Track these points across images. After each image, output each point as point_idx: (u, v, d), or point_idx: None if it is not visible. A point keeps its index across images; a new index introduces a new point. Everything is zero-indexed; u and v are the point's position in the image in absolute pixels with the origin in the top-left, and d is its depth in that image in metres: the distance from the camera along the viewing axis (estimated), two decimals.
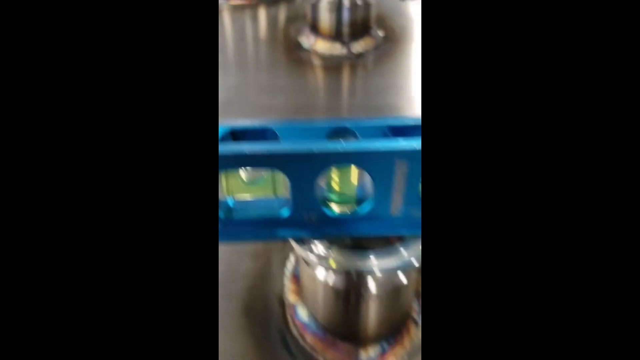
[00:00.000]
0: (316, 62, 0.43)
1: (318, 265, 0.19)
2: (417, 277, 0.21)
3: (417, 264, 0.18)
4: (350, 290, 0.19)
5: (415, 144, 0.16)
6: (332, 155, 0.16)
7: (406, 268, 0.19)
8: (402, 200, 0.18)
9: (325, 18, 0.44)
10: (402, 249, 0.18)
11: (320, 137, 0.18)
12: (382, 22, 0.47)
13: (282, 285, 0.24)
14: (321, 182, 0.19)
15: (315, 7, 0.44)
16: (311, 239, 0.19)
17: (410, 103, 0.38)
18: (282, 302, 0.24)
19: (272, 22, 0.50)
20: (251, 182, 0.18)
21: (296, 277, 0.24)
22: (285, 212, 0.18)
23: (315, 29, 0.44)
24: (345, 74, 0.42)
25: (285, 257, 0.26)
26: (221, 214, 0.18)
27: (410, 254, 0.18)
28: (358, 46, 0.44)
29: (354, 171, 0.19)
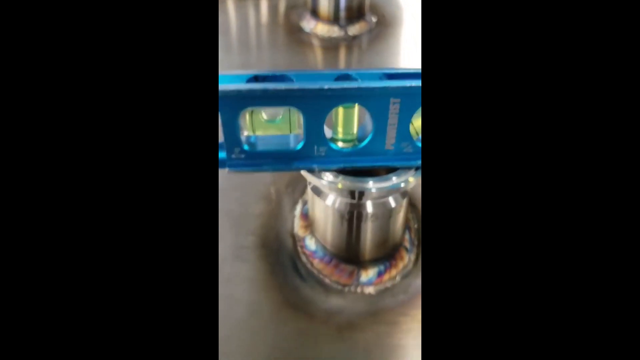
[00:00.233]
0: (316, 43, 0.46)
1: (327, 190, 0.23)
2: (406, 206, 0.24)
3: (405, 188, 0.22)
4: (353, 212, 0.23)
5: (406, 83, 0.20)
6: (339, 91, 0.19)
7: (396, 189, 0.22)
8: (395, 136, 0.21)
9: (324, 4, 0.47)
10: (394, 177, 0.22)
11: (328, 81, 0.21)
12: (375, 9, 0.51)
13: (293, 222, 0.28)
14: (329, 124, 0.22)
15: None
16: (320, 170, 0.22)
17: None
18: (292, 236, 0.27)
19: (274, 9, 0.53)
20: (271, 121, 0.21)
21: (304, 215, 0.28)
22: (299, 146, 0.21)
23: (315, 14, 0.48)
24: (342, 54, 0.45)
25: (295, 201, 0.29)
26: (246, 147, 0.21)
27: (400, 180, 0.22)
28: (354, 29, 0.47)
29: (355, 115, 0.22)
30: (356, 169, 0.22)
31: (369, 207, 0.23)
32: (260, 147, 0.22)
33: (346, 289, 0.25)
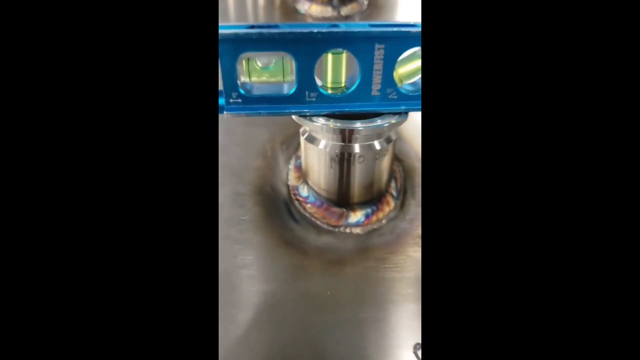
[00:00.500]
0: (311, 22, 0.48)
1: (320, 135, 0.24)
2: (391, 152, 0.26)
3: (388, 130, 0.23)
4: (343, 154, 0.24)
5: (389, 29, 0.21)
6: (327, 34, 0.21)
7: (381, 130, 0.23)
8: (380, 82, 0.23)
9: None
10: (378, 119, 0.23)
11: None
12: None
13: (287, 174, 0.29)
14: (319, 74, 0.23)
15: None
16: (312, 115, 0.23)
17: None
18: (287, 186, 0.28)
19: None
20: (265, 68, 0.23)
21: (298, 168, 0.29)
22: (292, 91, 0.23)
23: None
24: None
25: (289, 157, 0.30)
26: (242, 91, 0.23)
27: (384, 122, 0.23)
28: (346, 10, 0.49)
29: (343, 63, 0.23)
30: (345, 113, 0.23)
31: (357, 148, 0.24)
32: (256, 92, 0.23)
33: (336, 229, 0.26)
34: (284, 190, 0.28)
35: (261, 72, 0.23)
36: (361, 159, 0.24)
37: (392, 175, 0.28)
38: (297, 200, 0.27)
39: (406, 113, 0.24)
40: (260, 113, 0.23)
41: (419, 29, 0.21)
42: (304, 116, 0.23)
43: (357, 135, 0.24)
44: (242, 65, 0.23)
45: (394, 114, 0.24)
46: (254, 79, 0.23)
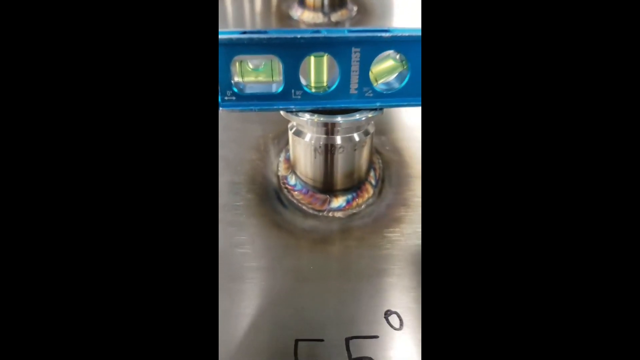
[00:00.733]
0: (302, 28, 0.50)
1: (306, 128, 0.27)
2: (369, 144, 0.28)
3: (365, 123, 0.26)
4: (327, 145, 0.27)
5: (363, 34, 0.24)
6: (309, 39, 0.23)
7: (360, 123, 0.26)
8: (357, 81, 0.25)
9: None
10: (357, 114, 0.26)
11: None
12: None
13: (277, 166, 0.32)
14: (304, 74, 0.26)
15: None
16: (298, 111, 0.26)
17: None
18: (277, 176, 0.31)
19: (267, 1, 0.57)
20: (256, 69, 0.25)
21: (287, 160, 0.32)
22: (279, 90, 0.25)
23: (302, 3, 0.52)
24: None
25: (280, 151, 0.33)
26: (235, 89, 0.25)
27: (361, 116, 0.25)
28: (336, 16, 0.51)
29: (324, 65, 0.26)
30: (327, 109, 0.26)
31: (338, 140, 0.26)
32: (248, 90, 0.25)
33: (320, 213, 0.28)
34: (274, 180, 0.31)
35: (252, 72, 0.25)
36: (342, 149, 0.27)
37: (371, 166, 0.31)
38: (286, 188, 0.30)
39: (381, 109, 0.26)
40: (251, 109, 0.26)
41: (391, 34, 0.24)
42: (291, 112, 0.26)
43: (338, 128, 0.26)
44: (235, 67, 0.25)
45: (370, 109, 0.26)
46: (246, 79, 0.26)
